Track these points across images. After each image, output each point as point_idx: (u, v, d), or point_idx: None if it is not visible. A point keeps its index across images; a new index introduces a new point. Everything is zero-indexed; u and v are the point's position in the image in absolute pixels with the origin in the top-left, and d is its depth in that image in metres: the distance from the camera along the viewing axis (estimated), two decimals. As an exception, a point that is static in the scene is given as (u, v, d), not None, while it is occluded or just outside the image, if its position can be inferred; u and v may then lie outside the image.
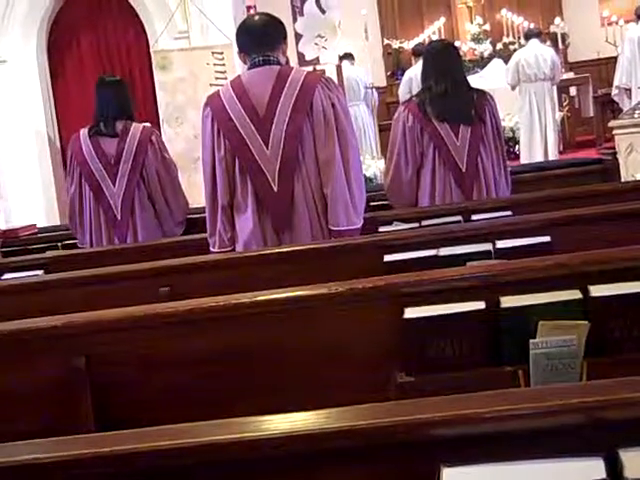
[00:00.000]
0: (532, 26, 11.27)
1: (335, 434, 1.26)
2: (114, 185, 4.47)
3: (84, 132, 4.56)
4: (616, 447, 1.09)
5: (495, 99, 4.31)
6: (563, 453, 1.10)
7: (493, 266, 2.38)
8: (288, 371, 2.19)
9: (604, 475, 1.07)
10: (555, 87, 10.63)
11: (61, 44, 9.03)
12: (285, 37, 3.66)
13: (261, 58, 3.54)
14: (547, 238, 2.92)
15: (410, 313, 2.07)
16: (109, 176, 4.47)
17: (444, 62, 4.21)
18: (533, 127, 9.84)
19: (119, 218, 4.47)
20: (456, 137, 4.09)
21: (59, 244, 4.78)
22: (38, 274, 3.58)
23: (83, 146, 4.50)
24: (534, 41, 9.87)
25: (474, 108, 4.12)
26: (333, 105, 3.49)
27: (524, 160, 9.65)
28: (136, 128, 4.55)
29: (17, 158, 8.70)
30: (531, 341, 1.97)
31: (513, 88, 9.86)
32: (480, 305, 2.06)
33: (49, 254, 4.25)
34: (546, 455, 1.10)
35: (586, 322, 1.99)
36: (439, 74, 4.16)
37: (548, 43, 12.39)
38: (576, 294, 2.05)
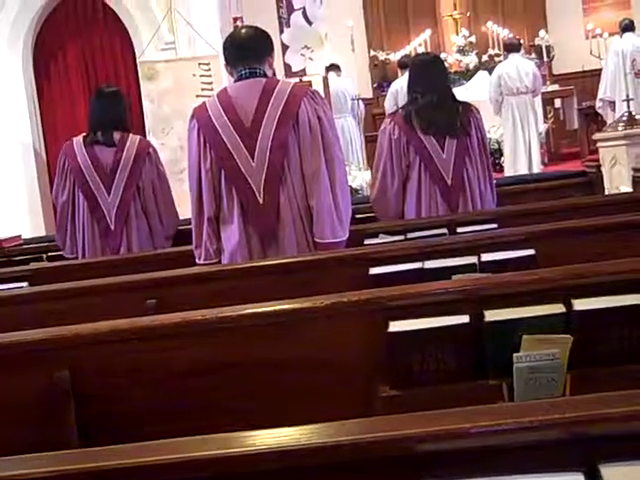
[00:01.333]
0: (512, 38, 11.34)
1: (320, 450, 1.26)
2: (109, 195, 4.45)
3: (78, 140, 4.53)
4: (596, 462, 1.10)
5: (480, 111, 4.34)
6: (544, 468, 1.10)
7: (477, 280, 2.39)
8: (274, 385, 2.18)
9: (585, 490, 1.07)
10: (539, 99, 10.70)
11: (47, 55, 9.02)
12: (272, 50, 3.68)
13: (247, 70, 3.55)
14: (531, 251, 2.94)
15: (395, 327, 2.08)
16: (104, 186, 4.45)
17: (430, 75, 4.23)
18: (517, 140, 9.90)
19: (112, 228, 4.44)
20: (442, 149, 4.11)
21: (44, 256, 4.76)
22: (22, 286, 3.56)
23: (78, 155, 4.48)
24: (515, 55, 9.96)
25: (460, 120, 4.14)
26: (319, 117, 3.50)
27: (508, 172, 9.70)
28: (133, 139, 4.55)
29: (2, 169, 8.67)
30: (515, 355, 1.98)
31: (496, 111, 9.92)
32: (464, 319, 2.07)
33: (33, 266, 4.23)
34: (528, 470, 1.11)
35: (569, 336, 2.00)
36: (425, 86, 4.18)
37: (533, 55, 12.49)
38: (559, 308, 2.06)
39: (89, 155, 4.46)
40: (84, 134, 4.56)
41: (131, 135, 4.58)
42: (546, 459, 1.14)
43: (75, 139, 4.57)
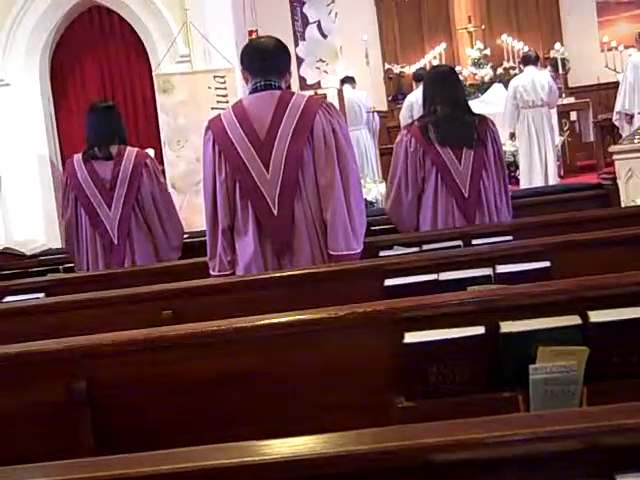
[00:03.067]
0: (529, 51, 11.34)
1: (335, 459, 1.26)
2: (110, 209, 4.47)
3: (78, 157, 4.56)
4: (614, 473, 1.09)
5: (496, 124, 4.34)
6: (561, 479, 1.10)
7: (493, 291, 2.39)
8: (289, 395, 2.19)
9: (602, 501, 1.07)
10: (555, 112, 10.67)
11: (64, 68, 9.10)
12: (290, 66, 3.69)
13: (263, 82, 3.56)
14: (547, 263, 2.93)
15: (410, 338, 2.08)
16: (105, 200, 4.47)
17: (446, 87, 4.23)
18: (532, 153, 9.88)
19: (116, 242, 4.46)
20: (459, 162, 4.11)
21: (60, 267, 4.79)
22: (39, 297, 3.58)
23: (78, 171, 4.50)
24: (530, 67, 9.94)
25: (476, 133, 4.14)
26: (334, 130, 3.51)
27: (524, 185, 9.67)
28: (130, 152, 4.57)
29: (19, 181, 8.72)
30: (531, 366, 1.97)
31: (511, 125, 9.91)
32: (480, 330, 2.07)
33: (50, 277, 4.25)
34: (545, 481, 1.11)
35: (585, 348, 1.99)
36: (441, 98, 4.18)
37: (548, 68, 12.46)
38: (576, 319, 2.06)
39: (88, 171, 4.49)
40: (83, 150, 4.58)
41: (128, 147, 4.60)
42: (563, 470, 1.14)
43: (75, 156, 4.60)
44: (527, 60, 10.20)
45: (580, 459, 1.17)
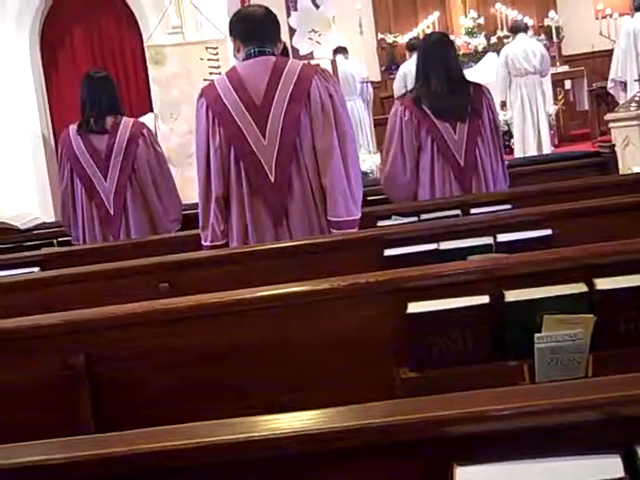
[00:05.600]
0: (518, 20, 11.27)
1: (341, 433, 1.23)
2: (106, 180, 4.42)
3: (73, 128, 4.50)
4: (633, 443, 1.07)
5: (491, 93, 4.29)
6: (579, 451, 1.07)
7: (497, 260, 2.36)
8: (291, 367, 2.16)
9: (622, 473, 1.04)
10: (549, 80, 10.62)
11: (54, 40, 8.98)
12: (280, 35, 3.64)
13: (257, 49, 3.50)
14: (548, 231, 2.91)
15: (414, 308, 2.05)
16: (101, 171, 4.42)
17: (440, 59, 4.16)
18: (525, 121, 9.85)
19: (112, 213, 4.42)
20: (454, 131, 4.07)
21: (55, 241, 4.75)
22: (34, 271, 3.55)
23: (73, 142, 4.46)
24: (522, 35, 9.90)
25: (471, 102, 4.10)
26: (331, 96, 3.46)
27: (518, 154, 9.63)
28: (126, 122, 4.51)
29: (11, 156, 8.64)
30: (536, 335, 1.95)
31: (503, 93, 9.87)
32: (484, 299, 2.04)
33: (45, 251, 4.21)
34: (561, 453, 1.08)
35: (592, 316, 1.97)
36: (435, 72, 4.11)
37: (542, 36, 12.39)
38: (581, 287, 2.03)
39: (84, 142, 4.44)
40: (78, 122, 4.52)
41: (124, 118, 4.54)
42: (581, 441, 1.11)
43: (71, 127, 4.54)
44: (517, 28, 10.17)
45: (597, 431, 1.14)
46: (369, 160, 8.28)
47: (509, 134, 10.24)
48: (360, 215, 3.50)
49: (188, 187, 6.65)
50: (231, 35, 3.63)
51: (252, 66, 3.51)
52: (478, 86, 4.22)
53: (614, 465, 1.04)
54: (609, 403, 1.12)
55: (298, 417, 1.26)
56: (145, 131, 4.53)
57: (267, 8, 3.66)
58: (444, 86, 4.08)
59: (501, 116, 9.98)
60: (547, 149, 9.82)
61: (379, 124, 9.93)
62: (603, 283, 2.03)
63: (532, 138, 9.85)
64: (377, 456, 1.24)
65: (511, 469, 1.05)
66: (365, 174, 7.65)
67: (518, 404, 1.13)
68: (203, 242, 3.54)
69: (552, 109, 10.86)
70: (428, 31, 12.99)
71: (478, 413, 1.14)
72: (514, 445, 1.12)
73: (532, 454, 1.07)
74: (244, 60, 3.54)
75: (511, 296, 2.04)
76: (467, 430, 1.15)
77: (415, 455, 1.21)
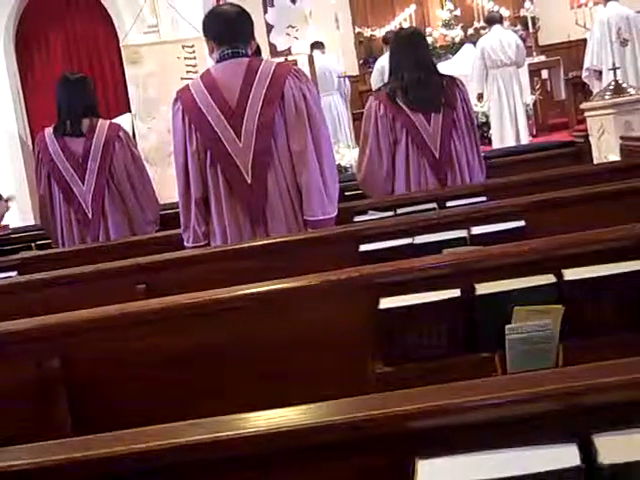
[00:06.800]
0: (493, 11, 11.29)
1: (315, 430, 1.26)
2: (83, 184, 4.41)
3: (49, 131, 4.47)
4: (590, 433, 1.09)
5: (466, 85, 4.32)
6: (537, 440, 1.10)
7: (467, 253, 2.38)
8: (266, 365, 2.18)
9: (578, 461, 1.06)
10: (525, 71, 10.66)
11: (29, 40, 8.94)
12: (254, 33, 3.65)
13: (230, 51, 3.51)
14: (522, 223, 2.93)
15: (385, 303, 2.07)
16: (78, 175, 4.40)
17: (411, 51, 4.21)
18: (503, 112, 9.89)
19: (90, 217, 4.41)
20: (428, 124, 4.10)
21: (33, 244, 4.74)
22: (11, 275, 3.54)
23: (49, 146, 4.43)
24: (497, 27, 9.94)
25: (444, 95, 4.13)
26: (304, 96, 3.48)
27: (496, 145, 9.68)
28: (102, 125, 4.49)
29: (-12, 158, 8.62)
30: (507, 327, 1.97)
31: (479, 86, 9.92)
32: (455, 293, 2.07)
33: (22, 255, 4.20)
34: (522, 443, 1.10)
35: (560, 306, 1.99)
36: (407, 63, 4.16)
37: (518, 27, 12.42)
38: (550, 278, 2.06)
39: (60, 145, 4.41)
40: (54, 124, 4.49)
41: (101, 120, 4.52)
42: (539, 431, 1.14)
43: (46, 130, 4.50)
44: (492, 20, 10.21)
45: (555, 420, 1.17)
46: (348, 155, 8.29)
47: (487, 125, 10.29)
48: (336, 213, 3.53)
49: (168, 186, 6.65)
50: (204, 35, 3.64)
51: (226, 68, 3.52)
52: (452, 79, 4.26)
53: (571, 454, 1.07)
54: (565, 393, 1.15)
55: (268, 415, 1.29)
56: (122, 133, 4.52)
57: (240, 7, 3.66)
58: (416, 79, 4.11)
59: (479, 108, 10.03)
60: (525, 139, 9.87)
61: (358, 118, 9.94)
62: (571, 274, 2.06)
63: (510, 129, 9.90)
64: (347, 452, 1.27)
65: (470, 461, 1.07)
66: (344, 169, 7.67)
67: (478, 397, 1.16)
68: (185, 243, 3.58)
69: (530, 99, 10.90)
70: (405, 24, 13.02)
71: (439, 407, 1.17)
72: (475, 437, 1.14)
73: (492, 445, 1.10)
74: (218, 62, 3.56)
75: (482, 289, 2.07)
76: (431, 424, 1.18)
77: (382, 450, 1.23)
